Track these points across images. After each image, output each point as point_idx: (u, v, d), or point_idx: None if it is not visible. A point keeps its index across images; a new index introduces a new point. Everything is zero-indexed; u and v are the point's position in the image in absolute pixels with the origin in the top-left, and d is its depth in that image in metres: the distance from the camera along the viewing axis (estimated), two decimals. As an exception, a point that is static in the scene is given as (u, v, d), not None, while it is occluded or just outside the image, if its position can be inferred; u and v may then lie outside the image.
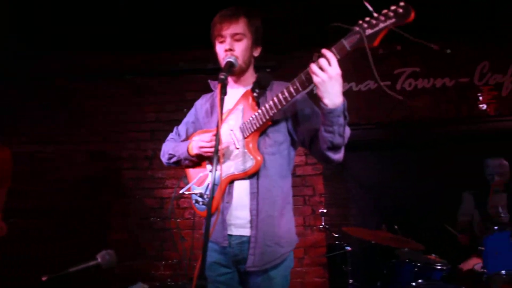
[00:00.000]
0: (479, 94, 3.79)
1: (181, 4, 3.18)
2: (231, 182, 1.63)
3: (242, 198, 1.61)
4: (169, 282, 3.52)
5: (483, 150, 3.60)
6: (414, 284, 2.47)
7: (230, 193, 1.62)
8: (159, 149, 3.84)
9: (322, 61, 1.33)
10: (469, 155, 3.76)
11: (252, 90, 1.64)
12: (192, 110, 1.91)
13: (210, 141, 1.63)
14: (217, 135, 1.35)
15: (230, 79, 1.76)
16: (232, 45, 1.60)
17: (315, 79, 1.35)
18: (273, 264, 1.57)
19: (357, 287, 2.99)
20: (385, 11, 1.26)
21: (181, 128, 1.94)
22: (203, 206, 1.73)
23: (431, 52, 3.86)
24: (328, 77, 1.33)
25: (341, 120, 1.40)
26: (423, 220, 3.65)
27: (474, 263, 2.88)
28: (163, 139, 3.87)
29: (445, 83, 3.82)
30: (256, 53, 1.70)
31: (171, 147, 1.84)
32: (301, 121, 1.62)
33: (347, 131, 1.47)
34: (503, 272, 2.20)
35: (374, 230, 3.04)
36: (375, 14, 1.27)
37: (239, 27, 1.60)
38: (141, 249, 3.66)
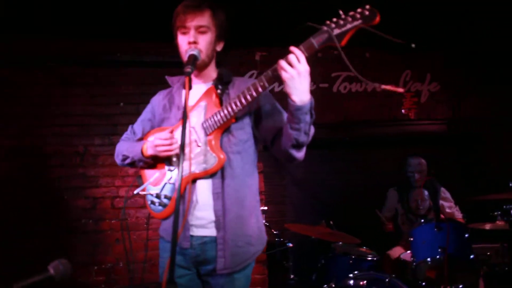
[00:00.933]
0: (403, 100, 4.20)
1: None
2: (192, 181, 1.57)
3: (205, 198, 1.56)
4: (103, 289, 3.30)
5: (406, 150, 3.99)
6: (351, 275, 2.62)
7: (191, 192, 1.56)
8: (92, 145, 3.60)
9: (291, 57, 1.33)
10: (395, 154, 4.13)
11: (215, 86, 1.60)
12: (149, 107, 1.81)
13: (167, 139, 1.55)
14: (183, 130, 1.27)
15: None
16: (196, 37, 1.54)
17: (284, 75, 1.34)
18: (246, 264, 1.56)
19: (297, 281, 3.10)
20: (351, 12, 1.31)
21: (137, 126, 1.82)
22: (160, 207, 1.64)
23: (364, 58, 4.17)
24: (297, 73, 1.33)
25: (308, 117, 1.41)
26: (356, 214, 3.91)
27: (400, 252, 3.17)
28: (95, 134, 3.65)
29: (374, 88, 4.14)
30: (219, 47, 1.66)
31: (125, 148, 1.73)
32: (264, 119, 1.61)
33: (312, 129, 1.49)
34: (428, 259, 2.47)
35: (313, 226, 3.18)
36: (342, 15, 1.31)
37: (204, 19, 1.55)
38: (69, 255, 3.34)
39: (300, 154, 1.53)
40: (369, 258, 3.04)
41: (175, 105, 1.69)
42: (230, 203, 1.55)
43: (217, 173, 1.55)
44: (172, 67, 3.56)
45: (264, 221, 3.31)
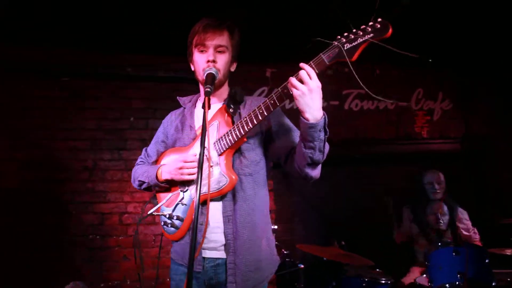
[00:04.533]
0: (415, 118, 4.14)
1: (134, 3, 2.95)
2: (204, 202, 1.52)
3: (216, 221, 1.52)
4: (109, 307, 3.22)
5: (418, 168, 3.91)
6: (365, 299, 2.52)
7: (203, 214, 1.51)
8: (101, 160, 3.58)
9: (302, 73, 1.30)
10: (406, 172, 4.05)
11: (227, 105, 1.58)
12: (161, 129, 1.80)
13: (193, 161, 1.53)
14: (201, 149, 1.24)
15: (203, 92, 1.68)
16: (215, 56, 1.54)
17: (295, 92, 1.31)
18: None
19: (309, 303, 3.00)
20: (363, 26, 1.28)
21: (151, 149, 1.82)
22: (172, 229, 1.61)
23: (375, 76, 4.14)
24: (308, 90, 1.29)
25: (322, 135, 1.36)
26: (367, 234, 3.82)
27: (415, 276, 3.05)
28: (105, 148, 3.64)
29: (387, 106, 4.10)
30: (233, 68, 1.66)
31: (141, 173, 1.72)
32: (276, 137, 1.57)
33: (327, 146, 1.45)
34: (447, 285, 2.37)
35: (325, 247, 3.10)
36: (353, 29, 1.28)
37: (223, 39, 1.55)
38: (76, 271, 3.29)
39: (315, 172, 1.48)
40: (383, 282, 2.93)
41: (187, 125, 1.68)
42: (242, 227, 1.50)
43: (228, 195, 1.52)
44: (184, 82, 3.61)
45: (274, 241, 3.26)
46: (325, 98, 3.83)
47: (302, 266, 3.04)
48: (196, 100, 1.74)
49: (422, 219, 3.34)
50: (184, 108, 1.75)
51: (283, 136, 1.56)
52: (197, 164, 1.50)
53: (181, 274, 1.58)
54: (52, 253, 3.28)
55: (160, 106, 3.66)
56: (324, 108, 1.39)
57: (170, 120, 1.76)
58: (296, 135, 1.54)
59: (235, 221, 1.50)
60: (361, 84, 1.36)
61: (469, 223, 3.32)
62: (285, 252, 3.24)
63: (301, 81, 1.30)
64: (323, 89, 1.34)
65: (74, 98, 3.56)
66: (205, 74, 1.49)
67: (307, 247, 3.06)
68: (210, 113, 1.60)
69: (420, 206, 3.41)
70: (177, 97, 1.80)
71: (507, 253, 2.77)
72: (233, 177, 1.49)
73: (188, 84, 3.53)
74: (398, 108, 4.12)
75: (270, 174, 1.66)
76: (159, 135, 1.79)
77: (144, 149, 1.85)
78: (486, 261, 2.40)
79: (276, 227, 3.30)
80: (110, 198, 3.46)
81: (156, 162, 1.78)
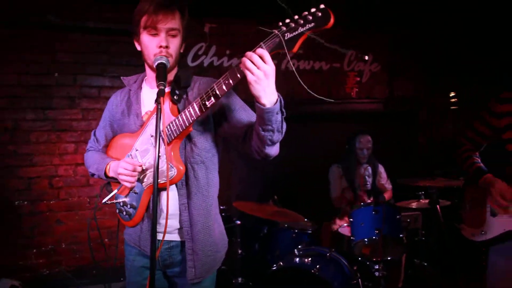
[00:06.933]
0: (346, 79, 4.37)
1: None
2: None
3: (171, 208, 1.54)
4: (45, 272, 3.18)
5: (347, 126, 4.21)
6: (296, 252, 2.79)
7: (156, 202, 1.53)
8: (23, 120, 3.28)
9: (255, 57, 1.21)
10: (336, 131, 4.34)
11: (172, 92, 1.52)
12: (106, 112, 1.72)
13: (134, 170, 1.50)
14: (156, 154, 1.24)
15: (152, 75, 1.59)
16: (167, 41, 1.45)
17: (250, 77, 1.22)
18: (214, 270, 1.61)
19: (245, 256, 3.26)
20: (305, 13, 1.17)
21: (99, 133, 1.75)
22: (126, 216, 1.64)
23: (310, 37, 4.18)
24: (264, 75, 1.21)
25: (279, 117, 1.32)
26: (299, 186, 4.10)
27: (339, 225, 3.42)
28: (28, 107, 3.32)
29: (321, 67, 4.25)
30: (182, 49, 1.58)
31: (91, 164, 1.70)
32: (229, 119, 1.53)
33: (285, 125, 1.40)
34: (366, 239, 2.75)
35: (261, 204, 3.31)
36: (295, 17, 1.19)
37: (175, 22, 1.45)
38: (3, 238, 3.13)
39: (274, 151, 1.46)
40: (310, 231, 3.24)
41: (133, 112, 1.62)
42: (198, 215, 1.55)
43: (182, 184, 1.54)
44: (117, 34, 3.31)
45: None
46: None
47: (239, 222, 3.24)
48: (142, 81, 1.66)
49: (351, 178, 3.66)
50: (130, 90, 1.66)
51: (236, 118, 1.51)
52: (134, 174, 1.52)
53: (134, 255, 1.63)
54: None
55: (89, 60, 3.37)
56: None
57: (116, 104, 1.67)
58: (250, 114, 1.52)
59: (190, 209, 1.54)
60: (302, 83, 1.36)
61: (385, 175, 3.75)
62: (221, 207, 3.40)
63: (256, 65, 1.21)
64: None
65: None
66: (156, 65, 1.40)
67: (244, 205, 3.22)
68: (153, 100, 1.54)
69: (348, 165, 3.70)
70: (121, 77, 1.70)
71: (412, 206, 3.24)
72: (181, 167, 1.49)
73: (122, 36, 3.27)
74: (332, 69, 4.30)
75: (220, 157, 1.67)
76: (105, 119, 1.72)
77: (92, 132, 1.78)
78: (398, 217, 2.81)
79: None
80: (37, 162, 3.24)
81: (107, 147, 1.73)
